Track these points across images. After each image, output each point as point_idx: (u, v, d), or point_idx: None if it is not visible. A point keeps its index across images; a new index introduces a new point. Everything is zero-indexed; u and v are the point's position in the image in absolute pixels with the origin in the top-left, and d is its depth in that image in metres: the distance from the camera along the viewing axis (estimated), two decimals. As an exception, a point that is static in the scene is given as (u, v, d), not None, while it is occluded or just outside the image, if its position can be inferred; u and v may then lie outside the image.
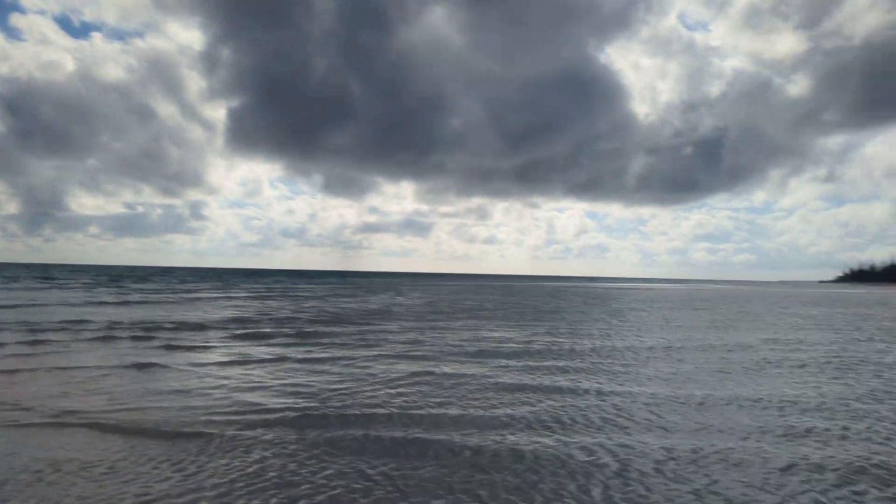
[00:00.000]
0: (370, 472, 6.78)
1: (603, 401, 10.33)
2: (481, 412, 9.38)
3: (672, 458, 7.22)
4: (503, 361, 14.62)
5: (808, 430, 8.56)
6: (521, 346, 17.69)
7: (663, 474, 6.71)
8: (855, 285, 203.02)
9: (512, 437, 8.03)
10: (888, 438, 8.21)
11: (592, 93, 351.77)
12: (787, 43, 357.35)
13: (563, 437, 8.05)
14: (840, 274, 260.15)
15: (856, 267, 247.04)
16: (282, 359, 14.91)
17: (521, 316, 30.39)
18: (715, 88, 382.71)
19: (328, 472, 6.78)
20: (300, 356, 15.31)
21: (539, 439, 7.93)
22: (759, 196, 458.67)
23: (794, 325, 27.67)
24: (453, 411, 9.44)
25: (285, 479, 6.52)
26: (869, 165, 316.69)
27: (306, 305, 36.58)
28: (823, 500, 6.05)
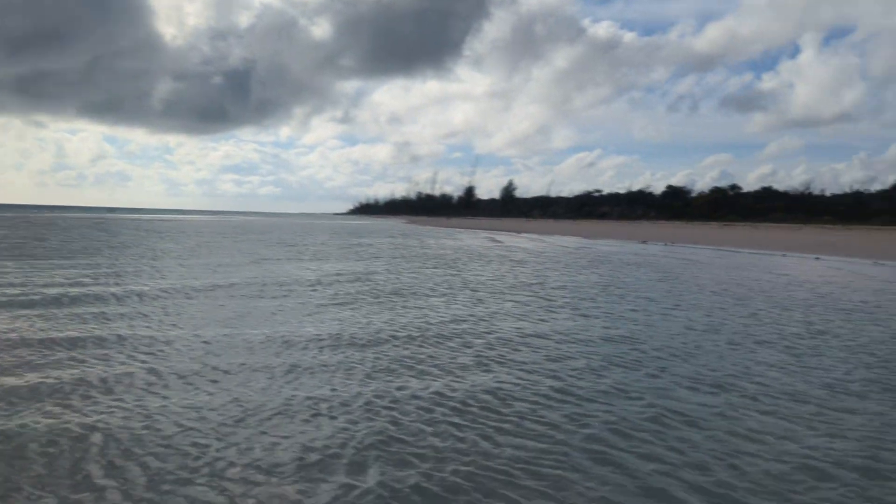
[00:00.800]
0: None
1: (158, 350, 9.40)
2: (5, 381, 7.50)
3: (240, 406, 6.91)
4: (35, 311, 12.15)
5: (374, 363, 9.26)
6: (59, 290, 15.03)
7: (232, 425, 6.35)
8: (363, 217, 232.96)
9: (43, 412, 6.58)
10: (454, 362, 9.46)
11: (110, 3, 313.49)
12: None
13: (113, 402, 6.96)
14: (351, 207, 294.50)
15: (364, 201, 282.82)
16: None
17: (48, 254, 25.93)
18: (244, 19, 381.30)
19: None
20: None
21: (93, 407, 6.67)
22: (284, 131, 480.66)
23: (338, 257, 30.16)
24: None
25: None
26: (376, 111, 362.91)
27: None
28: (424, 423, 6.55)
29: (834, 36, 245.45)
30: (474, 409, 6.81)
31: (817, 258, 33.83)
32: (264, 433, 5.96)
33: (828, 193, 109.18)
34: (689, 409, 6.94)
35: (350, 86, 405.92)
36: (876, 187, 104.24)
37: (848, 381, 8.18)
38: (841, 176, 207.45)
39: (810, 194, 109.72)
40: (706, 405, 7.09)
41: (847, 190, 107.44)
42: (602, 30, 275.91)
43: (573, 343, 10.47)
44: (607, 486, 4.92)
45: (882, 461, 5.50)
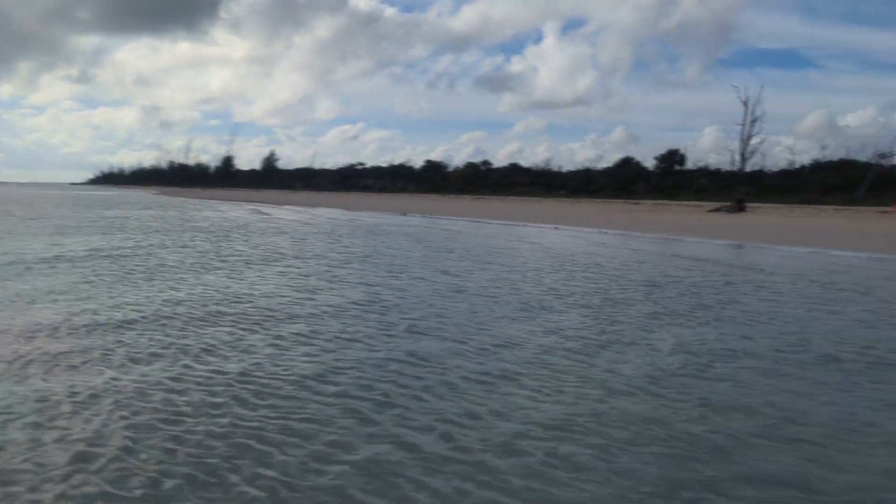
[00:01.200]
0: None
1: None
2: None
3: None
4: None
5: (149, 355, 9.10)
6: None
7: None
8: (107, 188, 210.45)
9: None
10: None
11: None
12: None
13: None
14: (92, 176, 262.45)
15: (106, 170, 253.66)
16: None
17: None
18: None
19: None
20: None
21: None
22: (6, 89, 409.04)
23: (86, 231, 27.46)
24: None
25: None
26: (120, 71, 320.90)
27: None
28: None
29: (571, 26, 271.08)
30: (245, 382, 7.12)
31: (556, 228, 38.28)
32: (19, 426, 5.66)
33: (564, 170, 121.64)
34: (436, 357, 7.98)
35: (88, 41, 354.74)
36: (602, 165, 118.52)
37: (565, 327, 9.92)
38: (576, 154, 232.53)
39: (550, 170, 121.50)
40: (450, 353, 8.21)
41: (580, 167, 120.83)
42: (363, 2, 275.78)
43: (338, 310, 11.15)
44: (356, 434, 5.70)
45: (594, 388, 6.97)
